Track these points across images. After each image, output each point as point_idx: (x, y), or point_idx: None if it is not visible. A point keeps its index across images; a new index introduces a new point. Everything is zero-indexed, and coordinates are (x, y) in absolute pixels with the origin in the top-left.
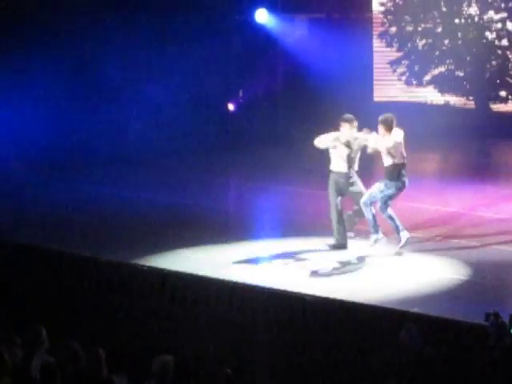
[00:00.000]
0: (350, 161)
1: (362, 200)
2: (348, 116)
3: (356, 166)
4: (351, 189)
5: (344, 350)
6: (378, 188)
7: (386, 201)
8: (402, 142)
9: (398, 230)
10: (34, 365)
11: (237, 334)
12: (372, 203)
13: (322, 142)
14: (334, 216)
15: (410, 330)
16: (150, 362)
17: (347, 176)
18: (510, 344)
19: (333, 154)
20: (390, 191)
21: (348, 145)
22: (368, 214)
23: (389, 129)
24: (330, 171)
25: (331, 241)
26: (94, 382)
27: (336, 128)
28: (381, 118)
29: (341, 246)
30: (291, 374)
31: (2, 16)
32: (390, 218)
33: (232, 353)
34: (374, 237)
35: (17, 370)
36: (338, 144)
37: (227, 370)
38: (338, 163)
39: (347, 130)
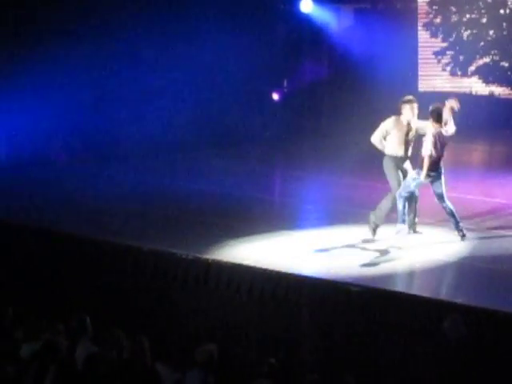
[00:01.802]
0: (406, 144)
1: (398, 191)
2: (408, 97)
3: (409, 152)
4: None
5: (388, 340)
6: (411, 177)
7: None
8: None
9: (400, 219)
10: (78, 353)
11: (281, 324)
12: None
13: (375, 136)
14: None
15: (454, 320)
16: (194, 351)
17: (402, 160)
18: None
19: (389, 139)
20: (421, 180)
21: (408, 127)
22: (400, 204)
23: (438, 120)
24: (386, 155)
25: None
26: (138, 370)
27: (383, 120)
28: (431, 108)
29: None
30: (335, 364)
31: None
32: (402, 205)
33: (276, 342)
34: (399, 226)
35: (62, 358)
36: (393, 129)
37: (271, 359)
38: (393, 147)
39: (408, 112)
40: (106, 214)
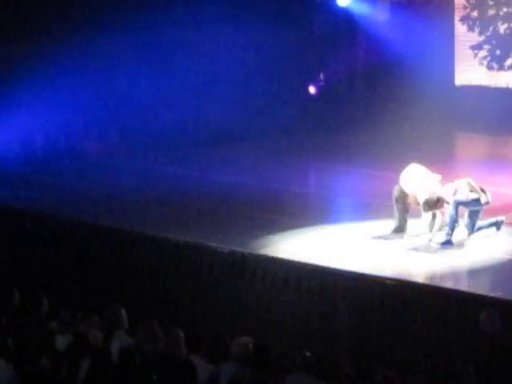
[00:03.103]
0: None
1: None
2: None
3: None
4: None
5: (423, 334)
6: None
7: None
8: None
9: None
10: (113, 345)
11: (317, 318)
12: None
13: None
14: None
15: (490, 314)
16: (229, 344)
17: None
18: None
19: None
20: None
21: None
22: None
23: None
24: None
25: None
26: (173, 363)
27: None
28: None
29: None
30: (370, 360)
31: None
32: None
33: (311, 335)
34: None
35: (97, 350)
36: None
37: (306, 351)
38: None
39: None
40: (142, 206)
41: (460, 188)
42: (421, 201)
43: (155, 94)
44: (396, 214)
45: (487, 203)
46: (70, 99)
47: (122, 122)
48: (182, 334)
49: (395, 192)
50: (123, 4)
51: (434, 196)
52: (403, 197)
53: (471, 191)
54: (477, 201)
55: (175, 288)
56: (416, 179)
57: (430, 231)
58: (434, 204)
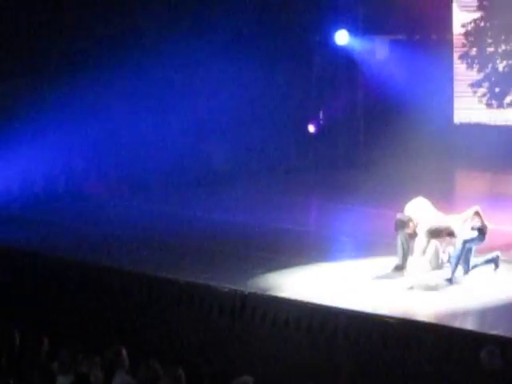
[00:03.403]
0: None
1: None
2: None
3: None
4: None
5: (424, 372)
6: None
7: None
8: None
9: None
10: None
11: (317, 356)
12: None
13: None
14: None
15: (491, 351)
16: (230, 383)
17: None
18: None
19: None
20: None
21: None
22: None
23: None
24: None
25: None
26: None
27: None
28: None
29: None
30: None
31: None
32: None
33: (312, 375)
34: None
35: None
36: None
37: None
38: None
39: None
40: (142, 246)
41: (468, 220)
42: (425, 228)
43: (154, 135)
44: (399, 250)
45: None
46: (70, 139)
47: (121, 162)
48: (183, 373)
49: (398, 221)
50: (121, 45)
51: (441, 225)
52: (406, 225)
53: (478, 222)
54: (481, 235)
55: (176, 327)
56: (422, 208)
57: (432, 268)
58: (439, 232)
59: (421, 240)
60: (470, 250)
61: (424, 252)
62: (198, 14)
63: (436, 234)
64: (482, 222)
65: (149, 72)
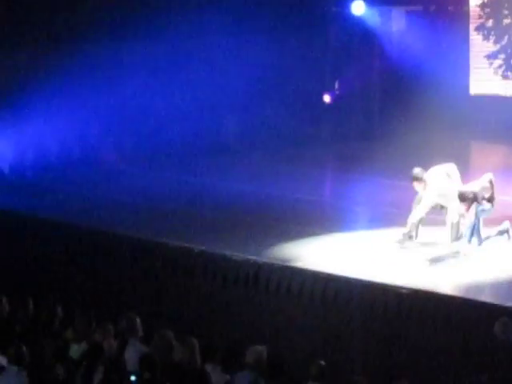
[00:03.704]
0: None
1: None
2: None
3: None
4: None
5: (438, 343)
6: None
7: None
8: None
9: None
10: (127, 354)
11: (331, 326)
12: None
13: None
14: None
15: (505, 324)
16: (244, 353)
17: None
18: None
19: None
20: None
21: None
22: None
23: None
24: None
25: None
26: (188, 371)
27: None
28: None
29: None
30: (384, 369)
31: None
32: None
33: (326, 344)
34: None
35: (111, 359)
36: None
37: (320, 361)
38: None
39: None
40: (156, 215)
41: (484, 187)
42: (457, 192)
43: (167, 105)
44: (414, 218)
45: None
46: (84, 108)
47: (135, 130)
48: (197, 343)
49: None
50: (135, 15)
51: (469, 190)
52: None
53: (488, 191)
54: (491, 205)
55: (190, 296)
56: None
57: (452, 239)
58: (469, 198)
59: (429, 199)
60: (479, 220)
61: (424, 208)
62: None
63: (466, 198)
64: (492, 192)
65: (162, 43)
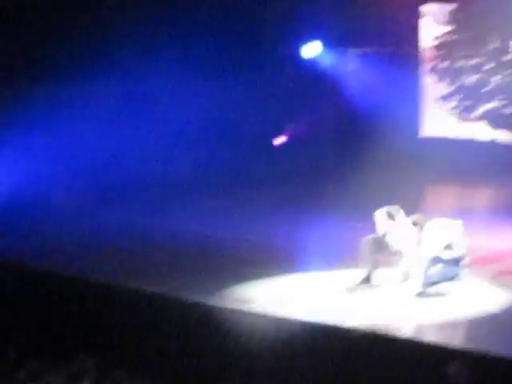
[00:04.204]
0: None
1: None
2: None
3: None
4: None
5: None
6: None
7: None
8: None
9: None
10: None
11: (282, 369)
12: None
13: None
14: None
15: (458, 366)
16: None
17: None
18: None
19: None
20: None
21: None
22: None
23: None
24: None
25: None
26: None
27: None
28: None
29: None
30: None
31: None
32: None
33: None
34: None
35: None
36: None
37: None
38: None
39: None
40: (107, 256)
41: (447, 236)
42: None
43: (118, 145)
44: (366, 263)
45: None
46: (38, 146)
47: (89, 172)
48: None
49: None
50: (93, 57)
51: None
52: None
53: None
54: (451, 264)
55: (144, 338)
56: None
57: (405, 280)
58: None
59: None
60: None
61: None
62: (167, 28)
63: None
64: (462, 245)
65: (113, 84)
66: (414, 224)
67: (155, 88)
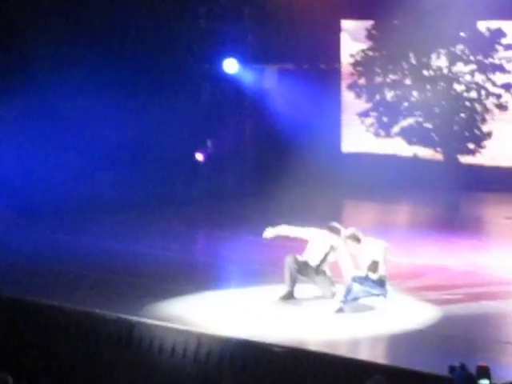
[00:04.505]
0: None
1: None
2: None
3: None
4: None
5: None
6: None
7: None
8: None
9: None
10: None
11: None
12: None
13: None
14: None
15: (377, 381)
16: None
17: None
18: None
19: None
20: None
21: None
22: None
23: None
24: None
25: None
26: None
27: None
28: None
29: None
30: None
31: None
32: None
33: None
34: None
35: None
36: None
37: None
38: None
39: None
40: (28, 273)
41: (371, 254)
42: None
43: (41, 164)
44: (288, 279)
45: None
46: None
47: (10, 191)
48: None
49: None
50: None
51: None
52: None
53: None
54: (373, 283)
55: (62, 355)
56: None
57: (325, 295)
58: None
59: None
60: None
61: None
62: (83, 44)
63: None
64: (383, 266)
65: (34, 103)
66: (353, 238)
67: (73, 105)
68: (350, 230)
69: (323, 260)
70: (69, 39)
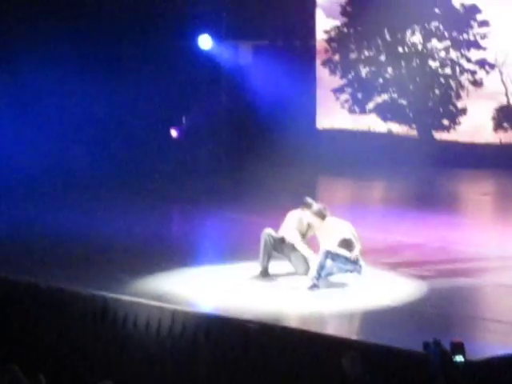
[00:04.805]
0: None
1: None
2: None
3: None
4: None
5: (284, 377)
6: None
7: None
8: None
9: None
10: None
11: (178, 360)
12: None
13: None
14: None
15: (352, 357)
16: None
17: None
18: (456, 374)
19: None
20: None
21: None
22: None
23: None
24: None
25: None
26: None
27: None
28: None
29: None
30: None
31: None
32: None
33: (173, 379)
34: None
35: None
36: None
37: None
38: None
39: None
40: (1, 250)
41: (342, 232)
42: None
43: (15, 138)
44: (262, 253)
45: (356, 270)
46: None
47: None
48: (44, 379)
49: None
50: None
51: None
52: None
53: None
54: (346, 260)
55: (36, 332)
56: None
57: (298, 272)
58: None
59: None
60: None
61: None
62: (60, 21)
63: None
64: (353, 244)
65: (10, 76)
66: (319, 215)
67: (51, 82)
68: (317, 206)
69: (302, 238)
70: (42, 13)
